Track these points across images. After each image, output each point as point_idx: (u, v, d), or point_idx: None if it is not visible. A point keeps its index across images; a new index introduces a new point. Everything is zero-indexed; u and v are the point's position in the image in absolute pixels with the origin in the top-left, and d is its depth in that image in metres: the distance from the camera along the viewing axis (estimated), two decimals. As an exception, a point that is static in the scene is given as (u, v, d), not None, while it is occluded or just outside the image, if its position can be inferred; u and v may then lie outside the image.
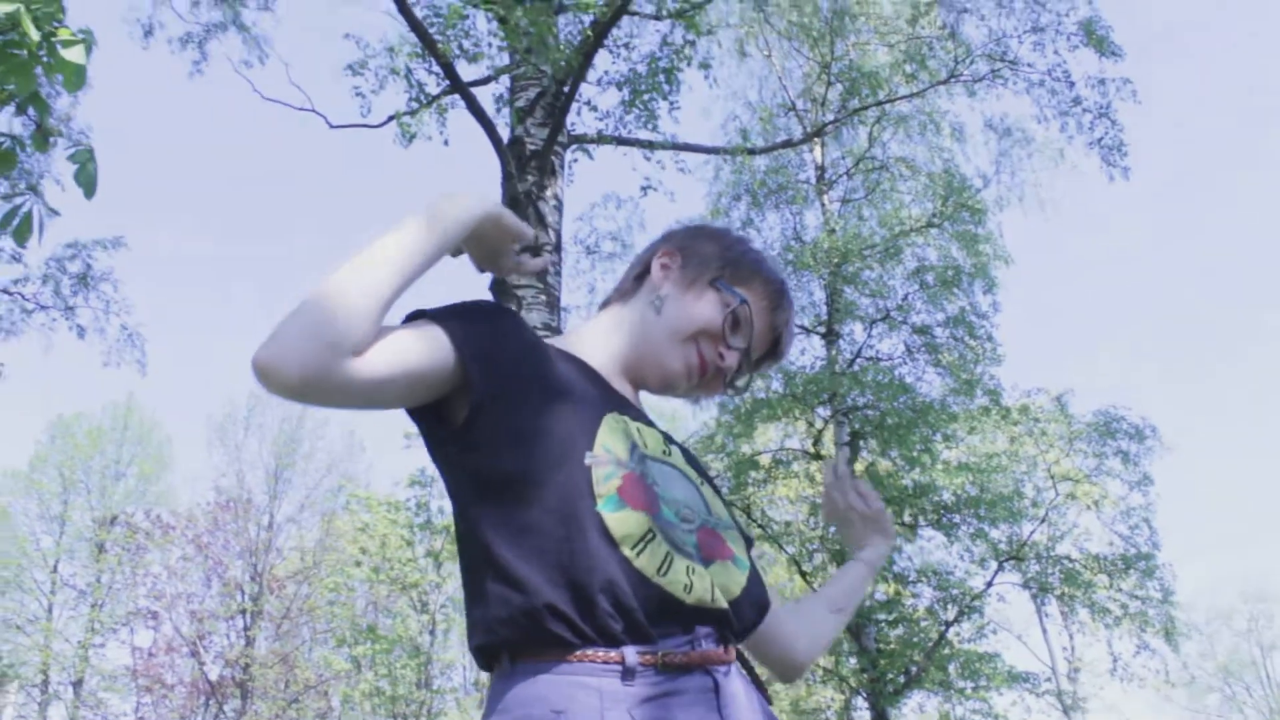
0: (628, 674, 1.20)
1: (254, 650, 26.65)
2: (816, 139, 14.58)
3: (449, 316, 1.35)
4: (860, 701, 13.91)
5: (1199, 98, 66.92)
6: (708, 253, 1.59)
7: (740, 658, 1.37)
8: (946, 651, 12.57)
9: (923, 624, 12.82)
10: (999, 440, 13.25)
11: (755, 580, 1.40)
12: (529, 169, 7.50)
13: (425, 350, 1.30)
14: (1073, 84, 11.87)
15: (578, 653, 1.21)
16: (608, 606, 1.22)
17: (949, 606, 12.88)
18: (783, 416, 13.41)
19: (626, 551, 1.23)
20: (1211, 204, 67.66)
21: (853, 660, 13.24)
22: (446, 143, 9.08)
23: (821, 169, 15.54)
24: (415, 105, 8.58)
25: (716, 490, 1.47)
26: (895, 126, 14.53)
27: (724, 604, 1.30)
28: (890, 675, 12.50)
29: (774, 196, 15.00)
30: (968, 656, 12.71)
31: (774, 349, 1.63)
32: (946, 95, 13.62)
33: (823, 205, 15.18)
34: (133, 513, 27.11)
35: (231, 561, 26.57)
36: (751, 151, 12.28)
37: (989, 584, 12.82)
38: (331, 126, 9.42)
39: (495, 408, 1.29)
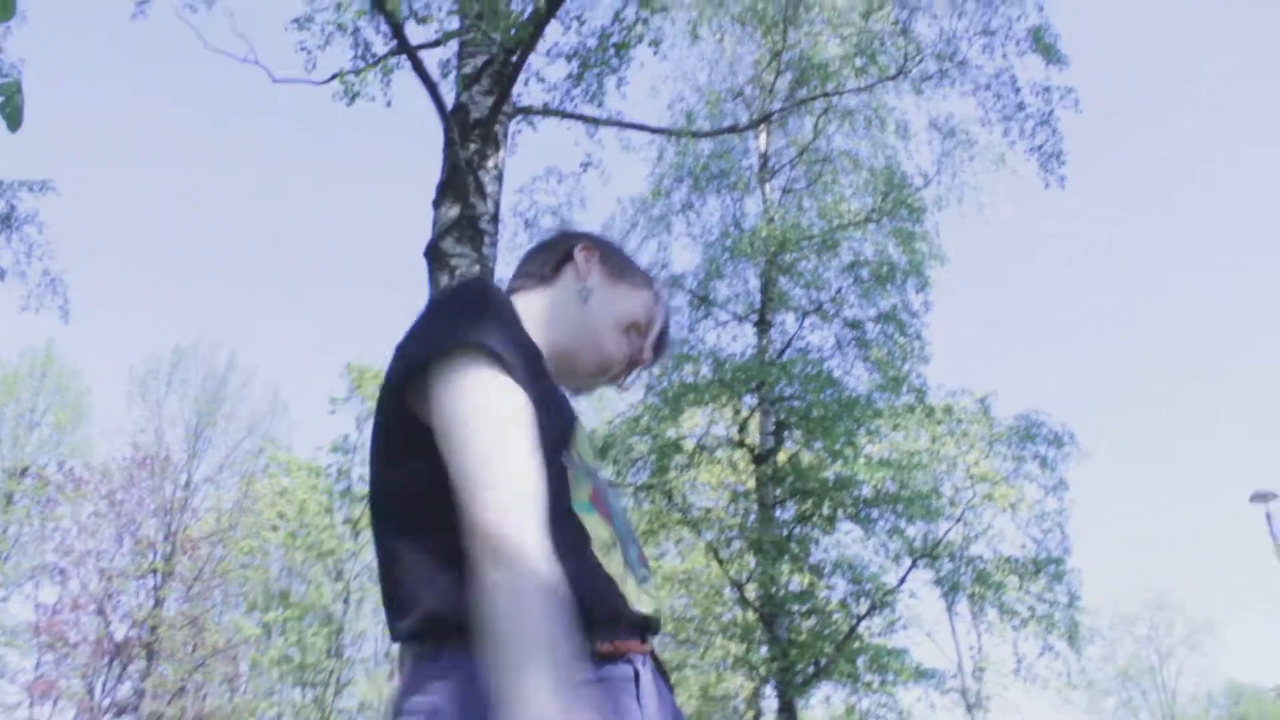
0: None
1: (163, 611, 26.22)
2: (762, 126, 14.59)
3: (495, 358, 1.31)
4: (769, 690, 14.00)
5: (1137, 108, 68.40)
6: (621, 255, 1.67)
7: (654, 655, 1.41)
8: (856, 645, 12.68)
9: (835, 617, 12.91)
10: (921, 438, 13.36)
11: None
12: (472, 137, 7.36)
13: (528, 424, 1.29)
14: (1018, 89, 11.96)
15: None
16: (575, 601, 1.22)
17: (861, 600, 12.97)
18: (710, 402, 13.41)
19: (598, 554, 1.29)
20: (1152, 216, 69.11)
21: (764, 649, 13.30)
22: (389, 104, 8.91)
23: (765, 157, 15.55)
24: (360, 64, 8.43)
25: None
26: (841, 119, 14.57)
27: (658, 615, 1.39)
28: (800, 666, 12.56)
29: (716, 181, 14.99)
30: (877, 651, 12.82)
31: (659, 350, 1.67)
32: (894, 92, 13.69)
33: (764, 193, 15.19)
34: (45, 464, 26.46)
35: (145, 520, 26.10)
36: (696, 134, 12.25)
37: (902, 580, 12.94)
38: (274, 80, 9.19)
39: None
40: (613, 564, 1.31)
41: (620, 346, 1.58)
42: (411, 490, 1.33)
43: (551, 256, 1.63)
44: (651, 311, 1.62)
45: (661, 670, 1.40)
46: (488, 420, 1.25)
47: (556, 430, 1.34)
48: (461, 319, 1.33)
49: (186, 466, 26.92)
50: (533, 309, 1.56)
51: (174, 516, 26.68)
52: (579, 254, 1.61)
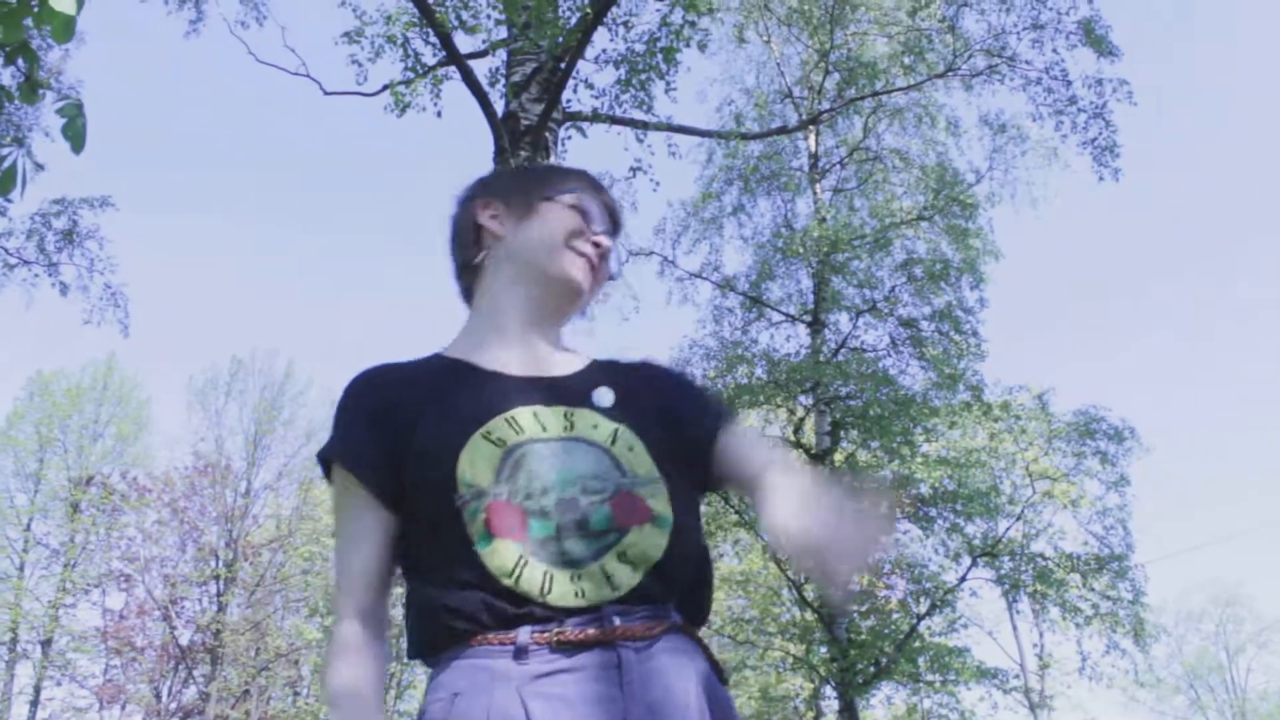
0: (519, 653, 1.25)
1: (226, 616, 26.56)
2: (811, 127, 14.56)
3: (329, 457, 1.46)
4: (829, 691, 13.98)
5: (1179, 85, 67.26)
6: (515, 182, 1.64)
7: (688, 632, 1.36)
8: (917, 644, 12.63)
9: (894, 616, 12.89)
10: (979, 436, 13.27)
11: (681, 534, 1.38)
12: (522, 144, 7.45)
13: (367, 528, 1.43)
14: (1069, 83, 11.87)
15: (476, 638, 1.28)
16: (502, 611, 1.29)
17: (921, 600, 12.93)
18: (765, 403, 13.41)
19: (507, 582, 1.29)
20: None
21: (823, 649, 13.30)
22: (440, 114, 9.03)
23: (815, 157, 15.52)
24: (410, 75, 8.53)
25: (642, 434, 1.43)
26: (891, 118, 14.52)
27: (635, 582, 1.32)
28: (860, 666, 12.55)
29: (766, 183, 15.01)
30: (938, 650, 12.77)
31: (615, 223, 1.62)
32: (943, 89, 13.63)
33: (814, 194, 15.17)
34: (109, 474, 26.94)
35: (207, 527, 26.46)
36: (746, 136, 12.27)
37: (962, 579, 12.88)
38: (326, 93, 9.38)
39: (399, 477, 1.40)
40: (525, 583, 1.29)
41: (570, 261, 1.53)
42: None
43: (464, 243, 1.61)
44: (579, 208, 1.56)
45: (713, 662, 1.37)
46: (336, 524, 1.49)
47: (434, 475, 1.35)
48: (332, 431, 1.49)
49: (246, 474, 27.28)
50: (482, 306, 1.57)
51: (235, 523, 27.03)
52: (483, 219, 1.58)
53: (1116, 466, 13.35)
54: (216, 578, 26.44)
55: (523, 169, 1.71)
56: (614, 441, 1.40)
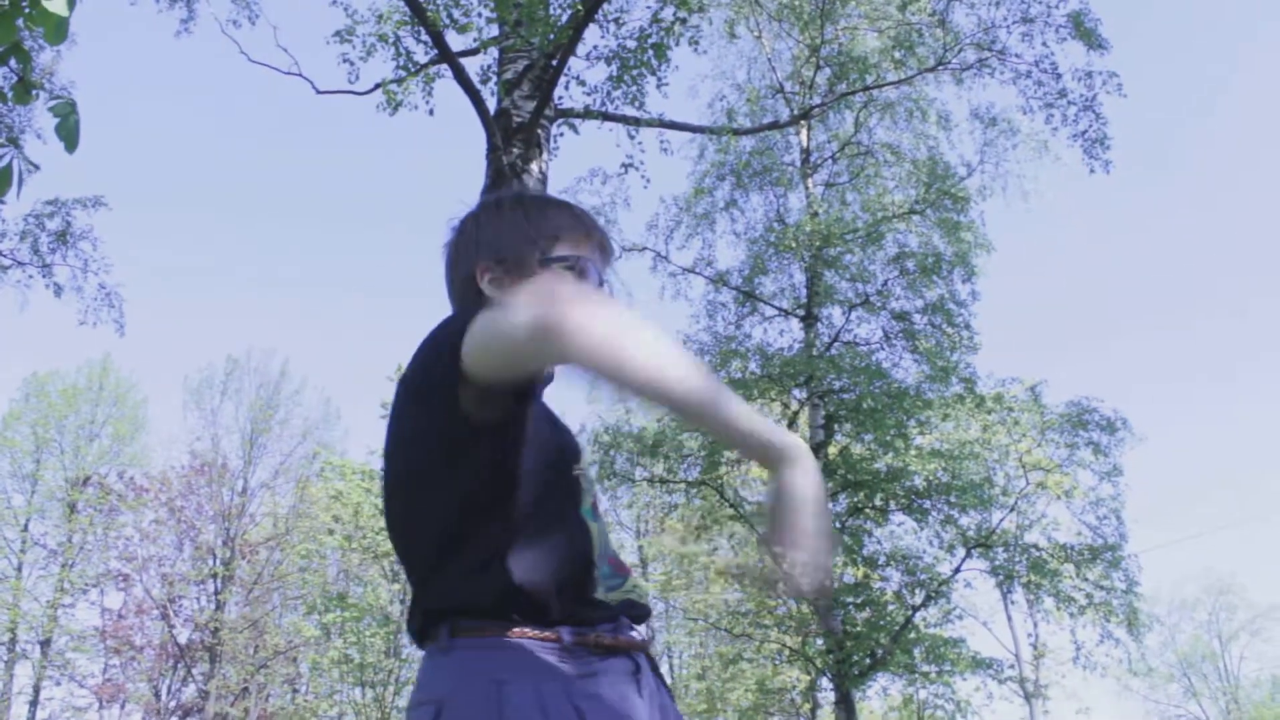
0: (565, 652, 1.31)
1: (224, 615, 26.56)
2: (803, 122, 14.60)
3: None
4: (825, 682, 14.04)
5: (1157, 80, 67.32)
6: (510, 239, 1.60)
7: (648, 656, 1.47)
8: (912, 636, 12.67)
9: (889, 608, 12.92)
10: (972, 428, 13.34)
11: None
12: (515, 141, 7.48)
13: None
14: (1059, 76, 11.91)
15: (516, 630, 1.31)
16: (569, 594, 1.37)
17: (916, 591, 12.98)
18: (759, 397, 13.46)
19: (595, 557, 1.42)
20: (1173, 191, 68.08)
21: (819, 641, 13.35)
22: (432, 112, 9.05)
23: (807, 152, 15.56)
24: (402, 74, 8.55)
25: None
26: (882, 112, 14.57)
27: (641, 603, 1.47)
28: (856, 657, 12.60)
29: (758, 178, 15.04)
30: (933, 641, 12.81)
31: (608, 256, 1.64)
32: (934, 83, 13.67)
33: (806, 188, 15.21)
34: (106, 474, 26.96)
35: (204, 525, 26.47)
36: (737, 132, 12.29)
37: (957, 570, 12.94)
38: (318, 92, 9.40)
39: (531, 408, 1.43)
40: (598, 565, 1.43)
41: None
42: (419, 493, 1.49)
43: (468, 296, 1.61)
44: (576, 270, 1.58)
45: (658, 676, 1.46)
46: None
47: (570, 446, 1.51)
48: None
49: (243, 473, 27.30)
50: None
51: (232, 522, 27.04)
52: (484, 284, 1.58)
53: (1109, 457, 13.41)
54: (214, 576, 26.45)
55: (514, 214, 1.64)
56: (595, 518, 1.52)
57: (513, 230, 1.61)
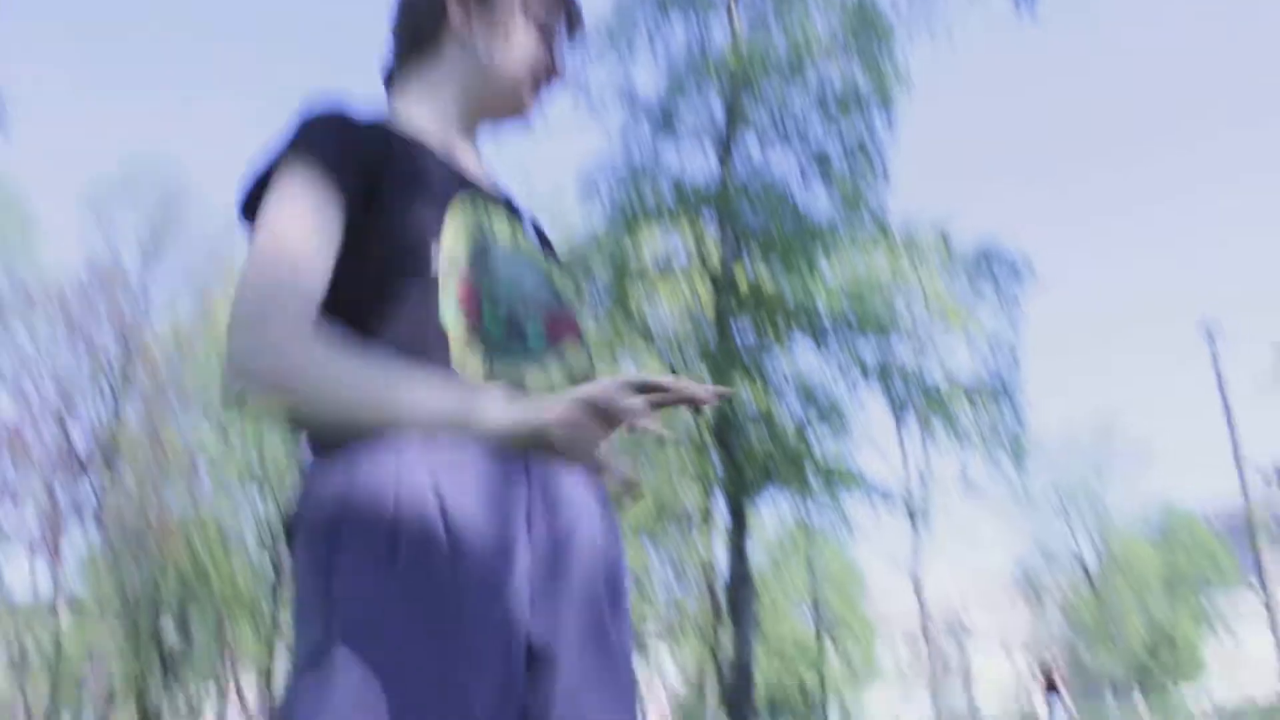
0: (434, 440, 1.20)
1: (122, 422, 26.32)
2: (729, -55, 14.15)
3: (301, 156, 1.29)
4: (721, 498, 14.44)
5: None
6: None
7: None
8: (807, 457, 13.02)
9: (787, 431, 13.22)
10: (881, 264, 13.51)
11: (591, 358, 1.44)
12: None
13: (326, 227, 1.27)
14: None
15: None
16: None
17: (814, 416, 13.28)
18: (671, 224, 13.42)
19: (457, 353, 1.26)
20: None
21: (717, 459, 13.65)
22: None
23: (731, -23, 15.10)
24: None
25: (560, 266, 1.50)
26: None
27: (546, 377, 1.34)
28: (752, 476, 12.92)
29: (680, 1, 14.55)
30: (826, 463, 13.19)
31: (578, 26, 1.59)
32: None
33: (730, 18, 14.82)
34: (-6, 276, 26.13)
35: (103, 334, 25.96)
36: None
37: (855, 398, 13.27)
38: None
39: (366, 212, 1.30)
40: (470, 365, 1.27)
41: (531, 95, 1.53)
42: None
43: (424, 25, 1.51)
44: (550, 38, 1.53)
45: (603, 489, 1.37)
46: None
47: (427, 218, 1.32)
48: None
49: (142, 281, 26.70)
50: (427, 95, 1.50)
51: (132, 332, 26.54)
52: (453, 9, 1.49)
53: (1012, 299, 13.74)
54: (113, 385, 26.10)
55: None
56: (546, 261, 1.44)
57: None
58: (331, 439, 1.22)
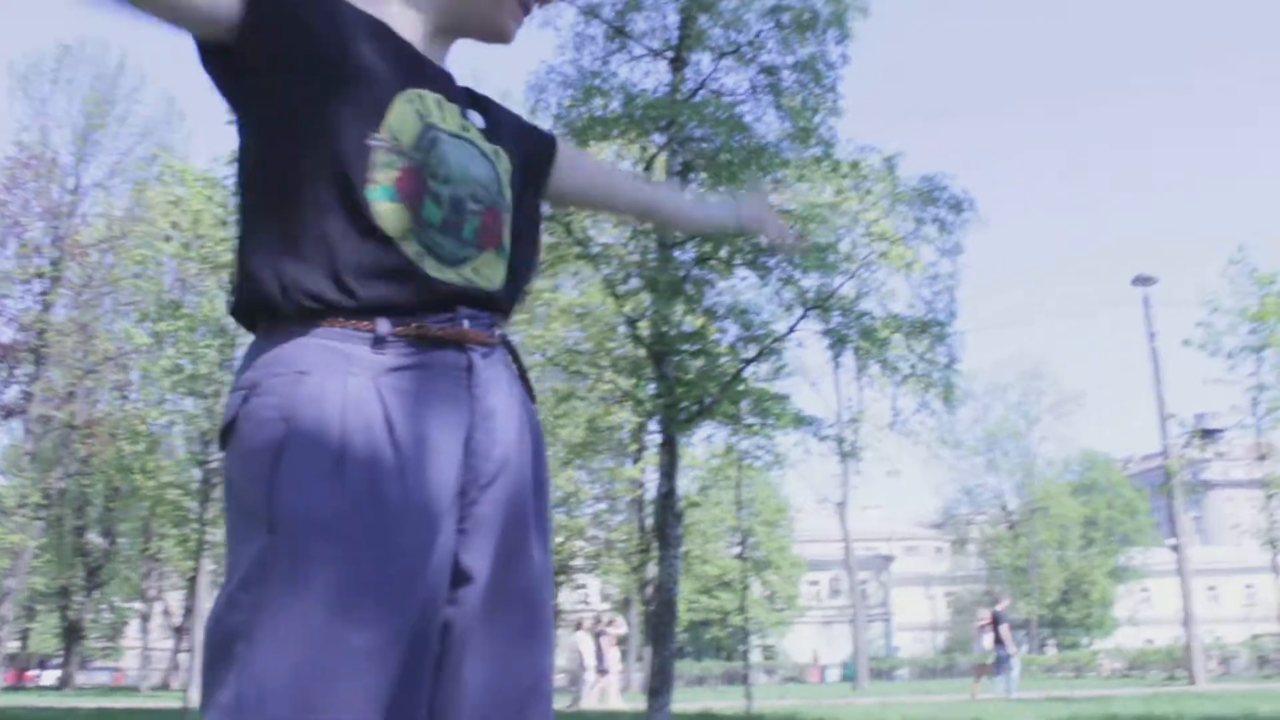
0: (378, 342, 1.25)
1: (51, 316, 25.79)
2: None
3: None
4: (653, 425, 14.42)
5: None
6: None
7: (513, 351, 1.43)
8: (741, 388, 13.00)
9: (723, 359, 13.18)
10: (825, 192, 13.39)
11: (519, 264, 1.47)
12: None
13: None
14: None
15: (329, 319, 1.25)
16: (364, 282, 1.26)
17: (750, 346, 13.24)
18: (618, 138, 13.19)
19: (390, 235, 1.28)
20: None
21: (651, 386, 13.62)
22: None
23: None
24: None
25: (511, 158, 1.50)
26: None
27: (483, 289, 1.37)
28: (685, 404, 12.89)
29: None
30: (760, 395, 13.20)
31: None
32: None
33: (691, -75, 14.46)
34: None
35: (31, 223, 25.32)
36: None
37: (791, 329, 13.21)
38: None
39: (282, 37, 1.31)
40: (408, 249, 1.30)
41: (516, 13, 1.53)
42: (240, 179, 1.42)
43: None
44: None
45: (524, 378, 1.43)
46: None
47: (366, 104, 1.31)
48: None
49: (75, 170, 26.00)
50: (409, 3, 1.49)
51: (62, 221, 25.92)
52: None
53: (953, 235, 13.70)
54: (40, 275, 25.49)
55: None
56: (497, 158, 1.45)
57: None
58: (253, 324, 1.30)
